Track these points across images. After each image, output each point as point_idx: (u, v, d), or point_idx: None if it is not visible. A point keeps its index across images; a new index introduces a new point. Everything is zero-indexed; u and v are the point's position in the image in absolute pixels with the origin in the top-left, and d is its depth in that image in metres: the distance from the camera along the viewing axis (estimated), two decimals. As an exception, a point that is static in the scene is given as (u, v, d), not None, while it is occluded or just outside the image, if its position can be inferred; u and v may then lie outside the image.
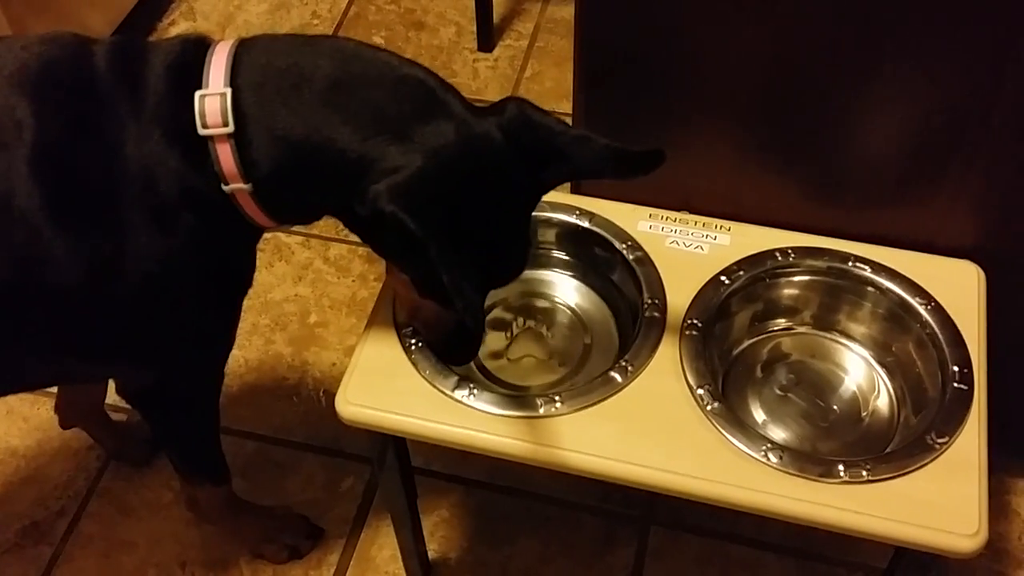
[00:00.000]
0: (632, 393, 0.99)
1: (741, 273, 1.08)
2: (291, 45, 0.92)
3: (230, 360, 1.54)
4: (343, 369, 1.09)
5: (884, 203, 1.11)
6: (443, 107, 0.88)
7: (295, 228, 1.73)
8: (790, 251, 1.09)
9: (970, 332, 1.02)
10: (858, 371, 1.08)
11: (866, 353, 1.09)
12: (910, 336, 1.05)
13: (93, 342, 0.97)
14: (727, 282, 1.07)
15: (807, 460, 0.94)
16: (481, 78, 1.98)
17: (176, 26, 2.09)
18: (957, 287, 1.05)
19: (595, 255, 1.13)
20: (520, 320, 1.14)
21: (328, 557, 1.37)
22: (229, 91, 0.87)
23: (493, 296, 1.14)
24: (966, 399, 0.97)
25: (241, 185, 0.90)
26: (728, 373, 1.08)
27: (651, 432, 0.97)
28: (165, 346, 1.01)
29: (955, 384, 0.98)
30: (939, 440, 0.94)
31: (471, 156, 0.87)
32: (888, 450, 0.99)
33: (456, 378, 1.00)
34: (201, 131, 0.87)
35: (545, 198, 1.12)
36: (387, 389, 1.00)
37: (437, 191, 0.84)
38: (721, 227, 1.12)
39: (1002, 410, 1.02)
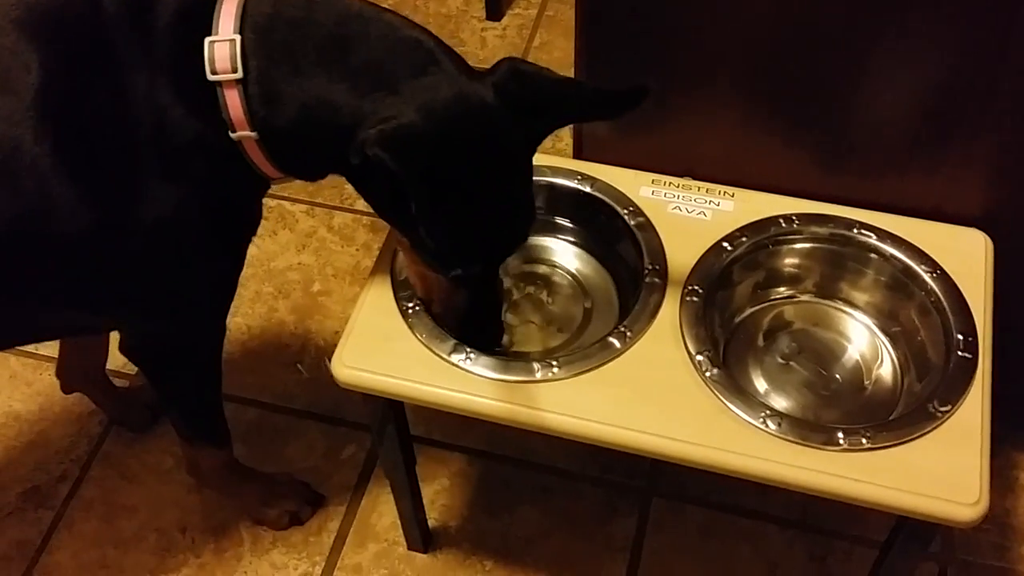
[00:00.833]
0: (630, 359, 0.98)
1: (744, 240, 1.06)
2: None
3: (233, 327, 1.56)
4: (344, 336, 1.08)
5: (890, 169, 1.09)
6: (439, 66, 0.88)
7: (299, 196, 1.72)
8: (794, 218, 1.07)
9: (976, 301, 1.00)
10: (861, 339, 1.07)
11: (869, 321, 1.07)
12: (914, 303, 1.03)
13: (102, 290, 0.97)
14: (729, 248, 1.05)
15: (806, 427, 0.93)
16: (489, 47, 1.96)
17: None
18: (964, 255, 1.04)
19: (596, 221, 1.12)
20: (520, 286, 1.12)
21: (328, 524, 1.37)
22: (239, 38, 0.88)
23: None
24: (970, 368, 0.96)
25: (248, 133, 0.90)
26: (730, 341, 1.07)
27: (649, 398, 0.96)
28: (171, 292, 1.01)
29: (959, 352, 0.97)
30: (941, 408, 0.93)
31: (462, 112, 0.87)
32: (893, 417, 0.98)
33: (453, 342, 0.99)
34: (210, 76, 0.88)
35: (546, 163, 1.12)
36: (384, 352, 1.00)
37: (424, 140, 0.84)
38: (724, 193, 1.10)
39: (1011, 383, 1.01)
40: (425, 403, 0.99)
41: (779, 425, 0.92)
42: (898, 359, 1.05)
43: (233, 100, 0.88)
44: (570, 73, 1.16)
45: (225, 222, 0.99)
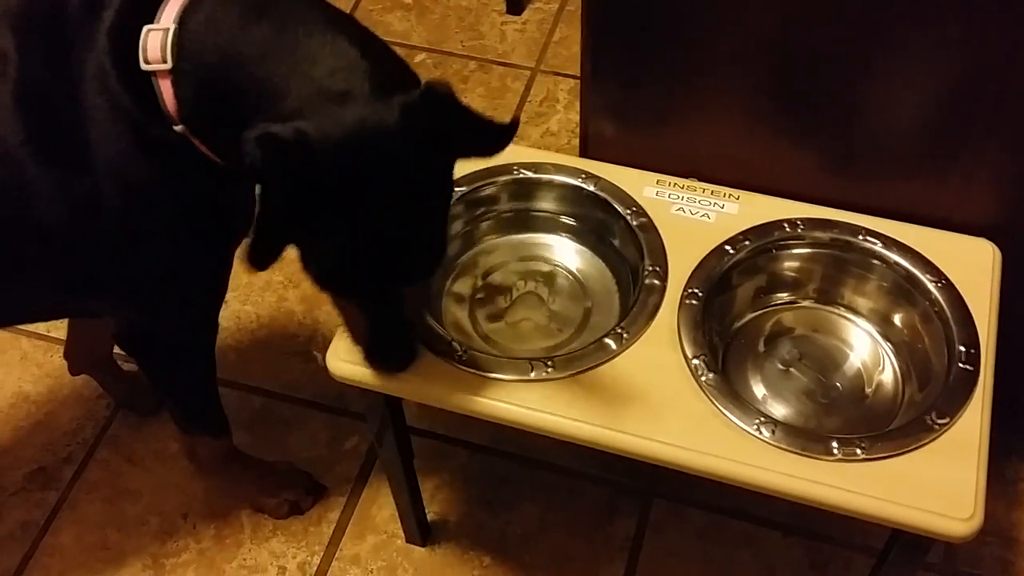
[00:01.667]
0: (626, 361, 0.97)
1: (747, 243, 1.05)
2: None
3: (242, 315, 1.57)
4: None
5: (898, 175, 1.08)
6: (353, 82, 0.80)
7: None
8: (799, 222, 1.06)
9: (981, 312, 0.99)
10: (863, 346, 1.05)
11: (872, 328, 1.06)
12: (917, 312, 1.02)
13: (81, 278, 0.97)
14: (731, 252, 1.04)
15: (800, 436, 0.92)
16: (508, 41, 1.95)
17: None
18: (970, 265, 1.02)
19: (599, 220, 1.11)
20: (521, 284, 1.12)
21: (328, 514, 1.37)
22: (174, 27, 0.85)
23: (493, 261, 1.13)
24: (971, 380, 0.94)
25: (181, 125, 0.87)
26: (730, 346, 1.06)
27: (643, 401, 0.95)
28: (147, 288, 1.01)
29: (960, 364, 0.95)
30: (939, 421, 0.92)
31: (358, 134, 0.78)
32: (891, 428, 0.96)
33: (448, 339, 0.99)
34: (143, 66, 0.85)
35: (551, 160, 1.12)
36: (379, 347, 0.99)
37: (298, 150, 0.76)
38: (729, 196, 1.09)
39: (1018, 396, 0.99)
40: (419, 399, 0.99)
41: (773, 433, 0.91)
42: (900, 368, 1.03)
43: (167, 90, 0.85)
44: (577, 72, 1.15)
45: (197, 216, 0.96)
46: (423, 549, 1.33)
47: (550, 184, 1.11)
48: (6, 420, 1.47)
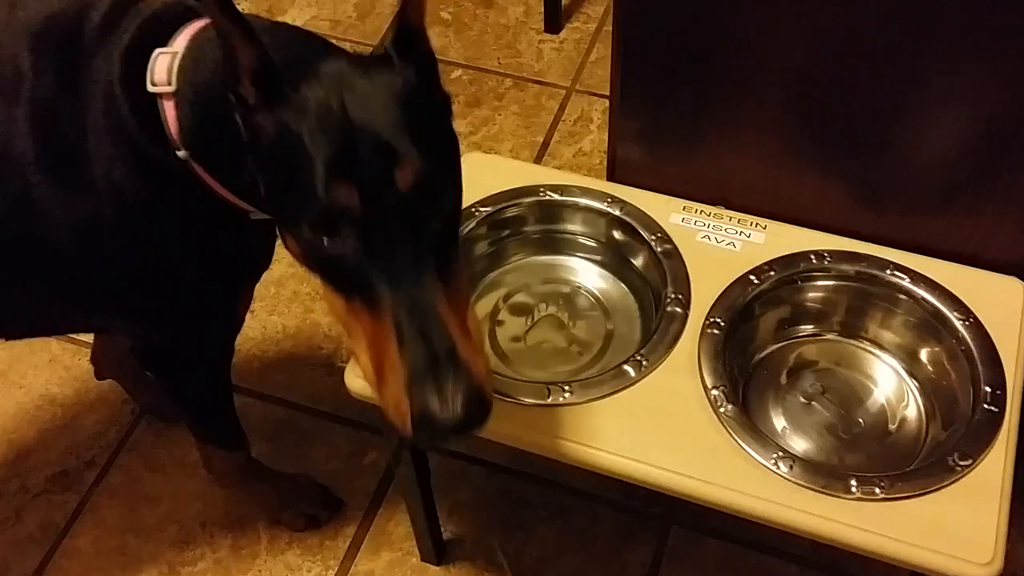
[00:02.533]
0: (644, 388, 0.97)
1: (772, 274, 1.04)
2: (263, 22, 0.86)
3: (269, 325, 1.57)
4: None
5: (928, 211, 1.06)
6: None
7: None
8: (826, 254, 1.05)
9: (1008, 352, 0.97)
10: (887, 382, 1.04)
11: (896, 364, 1.04)
12: (943, 348, 1.00)
13: (88, 297, 0.98)
14: (756, 282, 1.03)
15: (819, 472, 0.90)
16: (545, 59, 1.95)
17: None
18: (999, 304, 1.00)
19: (623, 244, 1.10)
20: (543, 306, 1.11)
21: (345, 529, 1.37)
22: (183, 50, 0.85)
23: (516, 282, 1.12)
24: (996, 422, 0.92)
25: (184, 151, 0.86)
26: (751, 377, 1.05)
27: (660, 430, 0.94)
28: (152, 311, 1.01)
29: (985, 405, 0.93)
30: (962, 463, 0.90)
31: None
32: (912, 467, 0.95)
33: (466, 359, 0.98)
34: (150, 87, 0.85)
35: (577, 183, 1.11)
36: (397, 365, 0.99)
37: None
38: (757, 225, 1.08)
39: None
40: (434, 419, 0.98)
41: (791, 468, 0.90)
42: (924, 405, 1.01)
43: (170, 113, 0.85)
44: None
45: (198, 248, 0.95)
46: (438, 568, 1.33)
47: (575, 207, 1.11)
48: (32, 422, 1.48)
